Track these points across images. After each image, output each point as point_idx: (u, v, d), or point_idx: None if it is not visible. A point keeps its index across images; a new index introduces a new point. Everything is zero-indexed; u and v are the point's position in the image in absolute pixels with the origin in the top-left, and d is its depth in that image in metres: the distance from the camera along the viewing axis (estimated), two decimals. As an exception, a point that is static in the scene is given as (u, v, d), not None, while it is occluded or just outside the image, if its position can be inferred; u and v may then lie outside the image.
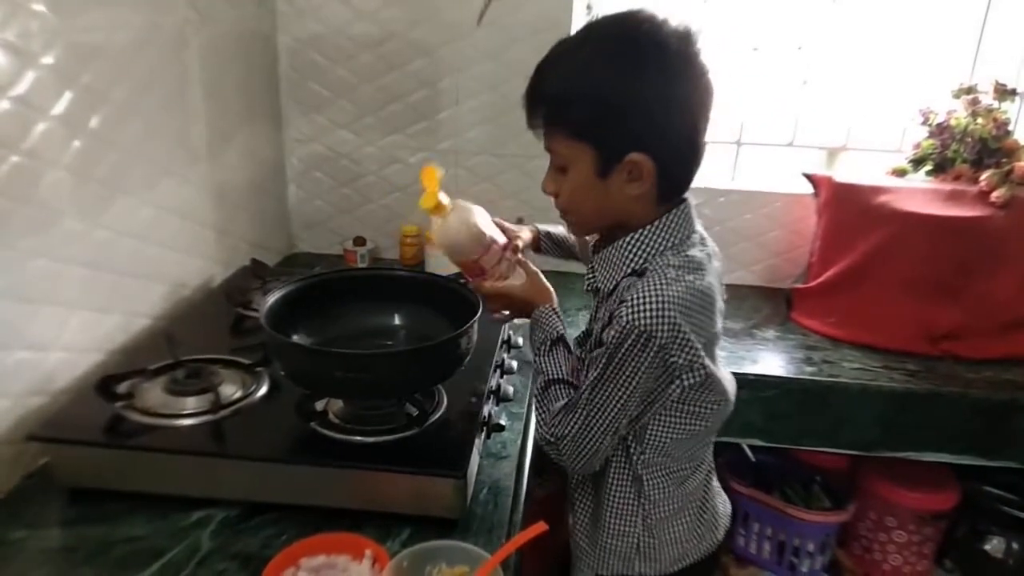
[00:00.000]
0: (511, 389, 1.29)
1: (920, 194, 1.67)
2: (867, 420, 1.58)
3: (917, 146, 1.79)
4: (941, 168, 1.76)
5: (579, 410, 0.95)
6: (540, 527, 0.83)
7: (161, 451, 0.99)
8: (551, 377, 1.03)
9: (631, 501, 1.05)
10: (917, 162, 1.79)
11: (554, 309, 1.09)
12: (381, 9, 1.86)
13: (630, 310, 0.88)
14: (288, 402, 1.07)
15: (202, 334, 1.31)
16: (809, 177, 1.83)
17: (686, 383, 0.93)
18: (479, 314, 1.05)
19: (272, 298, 1.07)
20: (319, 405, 1.07)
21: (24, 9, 1.02)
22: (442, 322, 1.10)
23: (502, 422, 1.18)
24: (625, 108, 0.88)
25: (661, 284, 0.89)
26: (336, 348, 1.06)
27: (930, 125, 1.77)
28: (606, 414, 0.94)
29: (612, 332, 0.91)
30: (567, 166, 0.95)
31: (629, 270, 0.97)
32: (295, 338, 1.09)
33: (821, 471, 1.92)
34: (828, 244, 1.78)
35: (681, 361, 0.90)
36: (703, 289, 0.91)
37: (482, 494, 1.05)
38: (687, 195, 0.99)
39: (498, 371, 1.31)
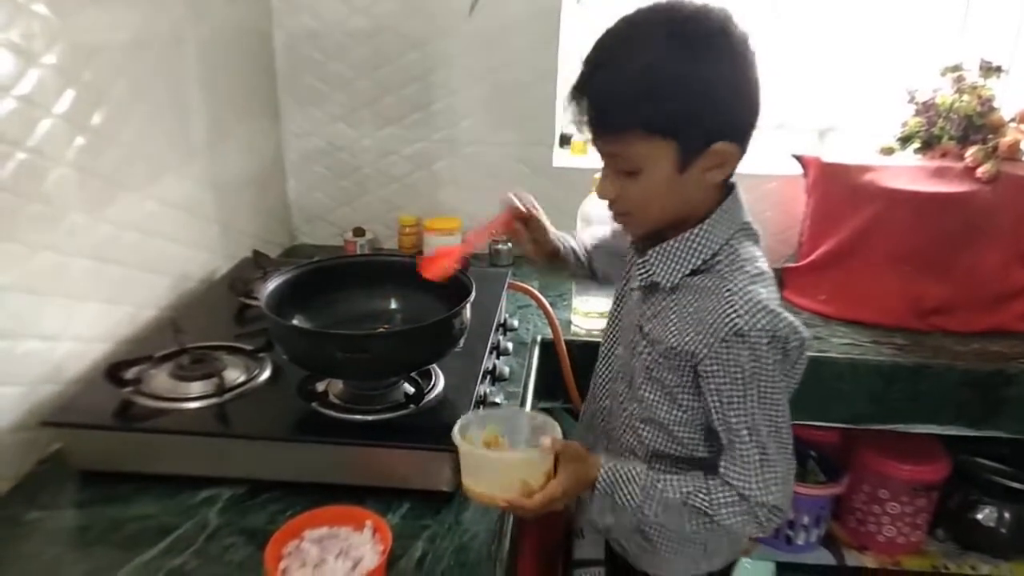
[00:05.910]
0: (507, 369, 1.33)
1: (907, 171, 1.69)
2: (857, 394, 1.59)
3: (904, 124, 1.81)
4: (928, 146, 1.76)
5: (770, 455, 0.87)
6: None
7: (169, 433, 1.02)
8: (695, 490, 0.90)
9: None
10: (904, 140, 1.80)
11: (608, 467, 0.93)
12: (374, 3, 1.88)
13: (740, 318, 0.84)
14: (290, 385, 1.11)
15: (207, 323, 1.34)
16: (798, 158, 1.85)
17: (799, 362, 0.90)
18: (471, 297, 1.08)
19: (273, 284, 1.10)
20: (320, 386, 1.10)
21: (26, 11, 1.04)
22: (438, 305, 1.12)
23: (498, 400, 1.22)
24: (707, 97, 0.83)
25: (747, 282, 0.87)
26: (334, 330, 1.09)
27: (916, 103, 1.79)
28: (786, 433, 0.88)
29: (734, 354, 0.85)
30: (641, 167, 0.86)
31: (696, 264, 0.91)
32: (295, 321, 1.12)
33: (815, 446, 1.95)
34: (817, 223, 1.80)
35: (794, 344, 0.87)
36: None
37: (478, 469, 1.08)
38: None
39: (494, 352, 1.34)
